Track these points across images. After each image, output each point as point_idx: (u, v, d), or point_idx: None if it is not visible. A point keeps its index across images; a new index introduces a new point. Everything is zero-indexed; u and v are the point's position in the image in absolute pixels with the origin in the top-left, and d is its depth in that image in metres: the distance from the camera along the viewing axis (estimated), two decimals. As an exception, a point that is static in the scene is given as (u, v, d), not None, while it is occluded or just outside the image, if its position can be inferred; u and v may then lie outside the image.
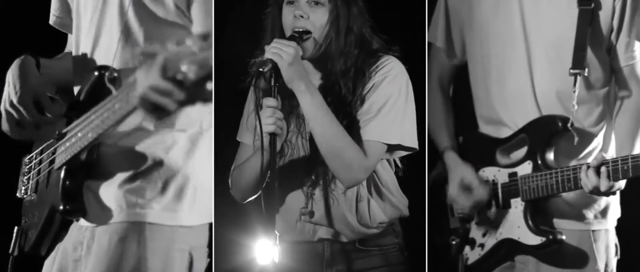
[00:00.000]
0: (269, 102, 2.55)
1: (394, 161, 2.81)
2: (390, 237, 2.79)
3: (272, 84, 2.55)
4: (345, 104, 2.66)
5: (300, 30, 2.61)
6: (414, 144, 2.69)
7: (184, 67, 1.87)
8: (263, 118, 2.51)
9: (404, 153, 2.74)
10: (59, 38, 2.80)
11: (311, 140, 2.67)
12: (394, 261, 2.79)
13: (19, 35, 3.33)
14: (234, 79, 2.84)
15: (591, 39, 2.83)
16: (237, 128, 2.86)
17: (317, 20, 2.63)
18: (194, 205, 2.54)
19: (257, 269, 2.66)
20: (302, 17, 2.62)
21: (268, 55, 2.53)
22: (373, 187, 2.75)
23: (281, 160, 2.68)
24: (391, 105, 2.64)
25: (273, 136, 2.52)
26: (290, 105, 2.68)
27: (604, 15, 2.84)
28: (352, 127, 2.65)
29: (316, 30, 2.64)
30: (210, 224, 2.60)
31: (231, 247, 3.00)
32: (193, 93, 1.91)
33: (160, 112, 1.99)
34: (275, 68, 2.53)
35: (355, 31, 2.66)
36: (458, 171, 2.99)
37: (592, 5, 2.81)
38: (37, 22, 2.86)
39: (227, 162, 2.82)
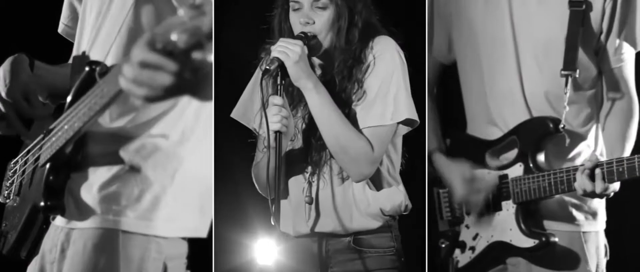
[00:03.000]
0: (275, 100, 2.58)
1: (401, 148, 2.81)
2: (388, 239, 2.77)
3: (279, 82, 2.58)
4: (344, 93, 2.69)
5: (309, 34, 2.64)
6: (416, 116, 2.70)
7: (173, 37, 1.84)
8: (269, 116, 2.54)
9: (406, 130, 2.74)
10: (66, 47, 2.76)
11: (309, 124, 2.69)
12: (389, 266, 2.77)
13: (24, 42, 3.27)
14: (233, 80, 2.82)
15: (581, 40, 2.83)
16: (236, 129, 2.84)
17: (322, 23, 2.67)
18: (170, 216, 2.49)
19: (257, 269, 2.68)
20: (308, 23, 2.65)
21: (274, 53, 2.57)
22: (375, 175, 2.74)
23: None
24: (387, 85, 2.67)
25: (278, 133, 2.55)
26: (299, 95, 2.70)
27: (594, 17, 2.85)
28: (354, 116, 2.68)
29: (322, 33, 2.67)
30: (189, 239, 2.54)
31: (231, 247, 2.97)
32: (181, 63, 1.87)
33: (151, 90, 1.94)
34: (282, 66, 2.56)
35: (359, 26, 2.69)
36: (453, 170, 2.98)
37: (583, 6, 2.82)
38: (45, 30, 2.86)
39: (226, 162, 2.79)
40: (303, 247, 2.76)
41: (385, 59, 2.69)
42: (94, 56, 2.53)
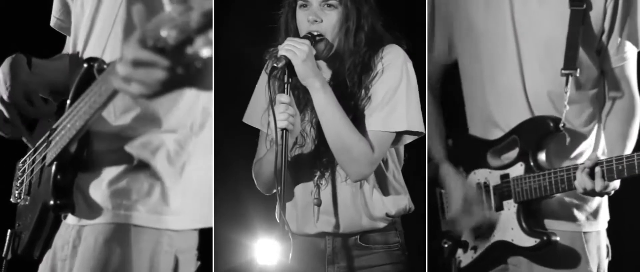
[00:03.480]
0: (282, 98, 2.60)
1: (403, 154, 2.83)
2: (392, 235, 2.80)
3: (285, 80, 2.60)
4: (353, 99, 2.70)
5: (315, 33, 2.65)
6: (421, 128, 2.72)
7: (163, 33, 1.85)
8: (276, 114, 2.56)
9: (411, 138, 2.75)
10: (59, 40, 2.78)
11: (318, 129, 2.71)
12: (395, 260, 2.80)
13: (17, 36, 3.30)
14: (233, 77, 2.83)
15: (582, 39, 2.83)
16: (236, 128, 2.85)
17: (331, 23, 2.68)
18: (181, 209, 2.50)
19: (257, 269, 2.68)
20: (315, 21, 2.66)
21: (282, 52, 2.58)
22: (379, 178, 2.77)
23: (294, 150, 2.73)
24: (393, 93, 2.68)
25: (285, 131, 2.57)
26: (305, 99, 2.72)
27: (595, 16, 2.84)
28: (359, 120, 2.69)
29: (329, 32, 2.68)
30: (199, 230, 2.56)
31: (231, 247, 2.98)
32: (172, 58, 1.88)
33: (146, 87, 1.95)
34: (289, 65, 2.58)
35: (365, 30, 2.70)
36: (460, 188, 2.97)
37: (584, 5, 2.81)
38: (37, 23, 2.85)
39: (227, 161, 2.80)
40: (309, 245, 2.78)
41: (394, 68, 2.70)
42: (90, 52, 2.53)
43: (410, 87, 2.70)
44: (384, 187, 2.78)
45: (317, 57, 2.66)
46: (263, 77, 2.83)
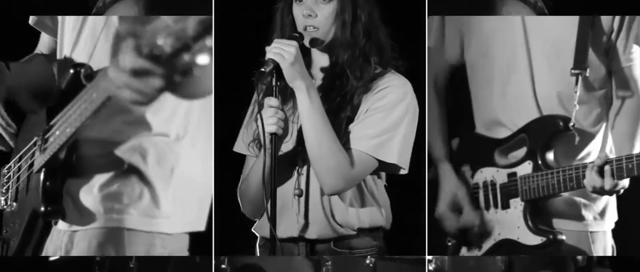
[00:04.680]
0: (271, 101, 2.54)
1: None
2: (368, 239, 2.71)
3: (274, 83, 2.54)
4: (351, 93, 2.65)
5: (310, 28, 2.62)
6: (405, 166, 2.65)
7: (160, 41, 1.84)
8: (265, 118, 2.51)
9: (388, 172, 2.71)
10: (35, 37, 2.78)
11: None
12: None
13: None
14: (233, 79, 2.82)
15: (592, 39, 2.84)
16: (235, 129, 2.83)
17: (325, 16, 2.64)
18: (172, 212, 2.52)
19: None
20: (310, 15, 2.62)
21: (270, 55, 2.52)
22: (357, 192, 2.70)
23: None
24: (392, 124, 2.62)
25: (274, 135, 2.52)
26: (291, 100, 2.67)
27: (604, 17, 2.85)
28: (354, 117, 2.63)
29: (324, 26, 2.64)
30: (190, 234, 2.57)
31: (231, 247, 2.96)
32: (169, 66, 1.88)
33: (141, 95, 1.96)
34: (277, 68, 2.52)
35: (363, 20, 2.65)
36: (451, 187, 2.98)
37: None
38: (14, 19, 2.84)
39: (225, 162, 2.79)
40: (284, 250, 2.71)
41: (402, 104, 2.64)
42: (77, 56, 2.54)
43: (410, 126, 2.65)
44: (362, 201, 2.70)
45: (311, 46, 2.64)
46: (253, 109, 2.77)
